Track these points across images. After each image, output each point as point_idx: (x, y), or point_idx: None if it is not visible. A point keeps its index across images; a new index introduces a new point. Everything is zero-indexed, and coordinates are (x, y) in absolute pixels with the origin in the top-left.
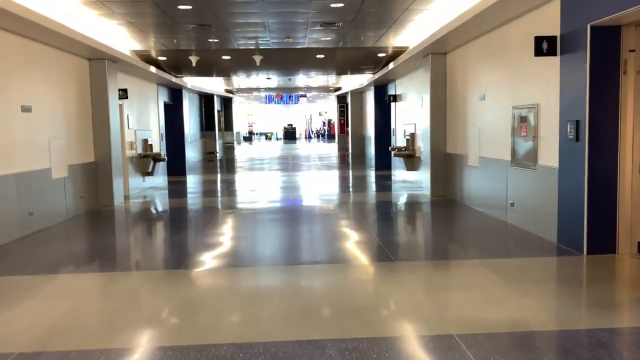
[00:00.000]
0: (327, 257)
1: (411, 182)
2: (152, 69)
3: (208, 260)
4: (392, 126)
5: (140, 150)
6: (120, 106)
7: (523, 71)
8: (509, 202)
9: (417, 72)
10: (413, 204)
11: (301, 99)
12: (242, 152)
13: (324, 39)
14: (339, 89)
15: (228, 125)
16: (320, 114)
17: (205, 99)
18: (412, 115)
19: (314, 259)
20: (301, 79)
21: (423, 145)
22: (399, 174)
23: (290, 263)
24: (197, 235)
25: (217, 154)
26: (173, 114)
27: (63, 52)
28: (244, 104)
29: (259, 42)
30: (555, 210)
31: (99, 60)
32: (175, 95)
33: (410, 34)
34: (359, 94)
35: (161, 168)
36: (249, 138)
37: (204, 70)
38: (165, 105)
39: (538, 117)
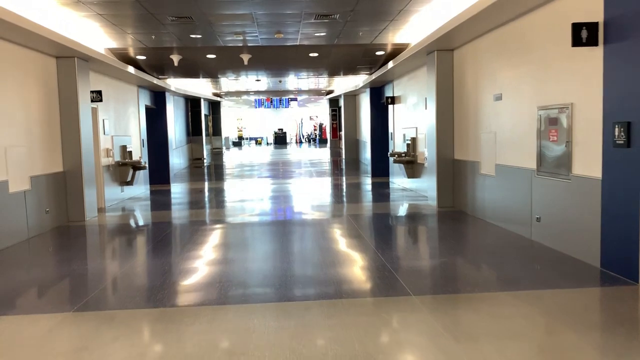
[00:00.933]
0: (329, 289)
1: (412, 191)
2: (131, 69)
3: (186, 294)
4: (390, 130)
5: (117, 158)
6: (94, 110)
7: (552, 66)
8: (535, 217)
9: (419, 71)
10: (419, 217)
11: (292, 102)
12: (231, 158)
13: (317, 34)
14: (331, 91)
15: (216, 130)
16: (311, 118)
17: (192, 103)
18: (412, 118)
19: (314, 292)
20: (292, 81)
21: (428, 151)
22: (398, 181)
23: (284, 298)
24: (177, 258)
25: (205, 160)
26: (156, 118)
27: (24, 49)
28: (233, 108)
29: (247, 38)
30: (597, 228)
31: (68, 59)
32: (158, 98)
33: (412, 30)
34: (352, 96)
35: (142, 177)
36: (238, 143)
37: (188, 70)
38: (147, 109)
39: (572, 118)
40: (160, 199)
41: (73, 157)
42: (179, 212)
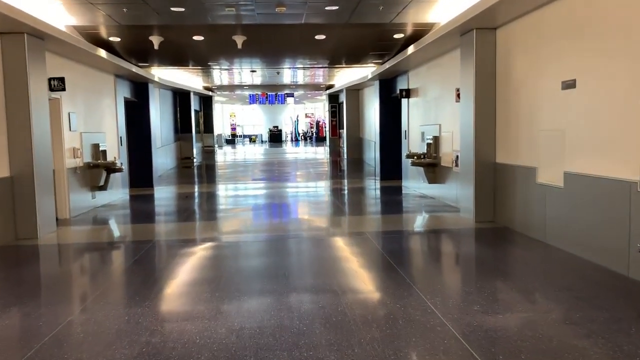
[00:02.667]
0: None
1: (433, 198)
2: (102, 52)
3: None
4: (404, 127)
5: (88, 159)
6: (56, 101)
7: None
8: (637, 246)
9: (444, 58)
10: (458, 236)
11: (288, 99)
12: (223, 157)
13: (328, 8)
14: (331, 86)
15: (208, 127)
16: (307, 116)
17: (181, 97)
18: (434, 113)
19: None
20: (289, 75)
21: (462, 153)
22: (413, 185)
23: None
24: (141, 309)
25: (195, 160)
26: (137, 113)
27: None
28: (227, 104)
29: (242, 13)
30: None
31: (15, 35)
32: (140, 90)
33: (441, 8)
34: (355, 91)
35: (120, 180)
36: (231, 141)
37: (173, 57)
38: (127, 102)
39: None
40: (138, 207)
41: (22, 159)
42: (157, 225)
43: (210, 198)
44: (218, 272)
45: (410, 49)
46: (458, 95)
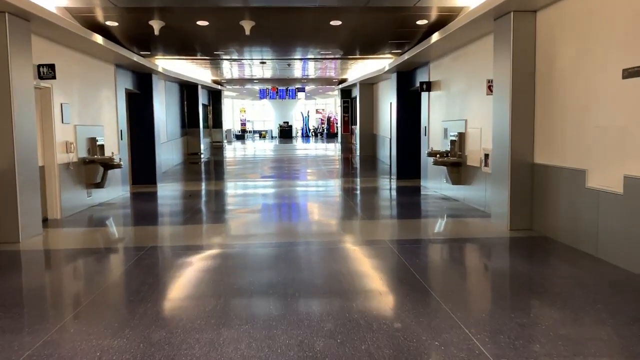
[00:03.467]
0: None
1: (457, 201)
2: (98, 38)
3: None
4: (424, 123)
5: (83, 154)
6: (46, 90)
7: None
8: None
9: (472, 46)
10: (491, 247)
11: (299, 94)
12: (232, 153)
13: None
14: (344, 80)
15: (217, 122)
16: (317, 111)
17: (188, 90)
18: (459, 108)
19: None
20: (300, 68)
21: (494, 151)
22: (434, 186)
23: None
24: (132, 335)
25: (202, 156)
26: (140, 105)
27: None
28: (237, 99)
29: None
30: None
31: None
32: (143, 81)
33: None
34: (369, 85)
35: (120, 176)
36: (241, 136)
37: (175, 44)
38: (129, 94)
39: None
40: (138, 207)
41: (2, 153)
42: (156, 227)
43: (215, 197)
44: (217, 289)
45: (435, 37)
46: (490, 88)
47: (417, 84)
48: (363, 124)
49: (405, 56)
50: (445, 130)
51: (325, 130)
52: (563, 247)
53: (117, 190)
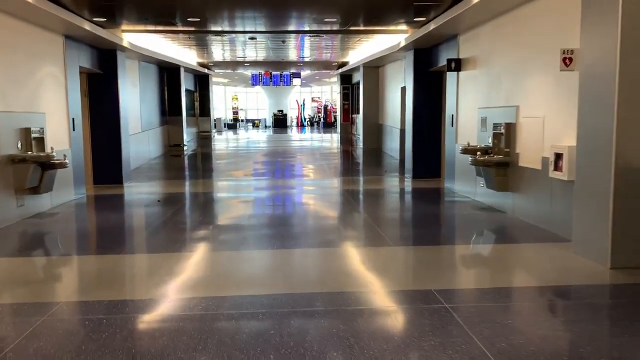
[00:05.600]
0: None
1: (503, 213)
2: None
3: None
4: (449, 111)
5: (11, 150)
6: None
7: None
8: None
9: (529, 7)
10: (600, 307)
11: (294, 80)
12: (222, 143)
13: None
14: (344, 64)
15: (204, 110)
16: (314, 100)
17: (169, 74)
18: (508, 90)
19: None
20: (296, 50)
21: (582, 151)
22: (464, 189)
23: None
24: None
25: (185, 147)
26: (101, 88)
27: None
28: (230, 86)
29: None
30: None
31: None
32: (105, 58)
33: None
34: (374, 69)
35: (72, 177)
36: (233, 125)
37: (147, 9)
38: (89, 75)
39: None
40: (85, 220)
41: None
42: (91, 259)
43: (191, 204)
44: None
45: None
46: (566, 60)
47: (439, 64)
48: (367, 113)
49: (431, 25)
50: (483, 119)
51: (321, 119)
52: None
53: (66, 194)
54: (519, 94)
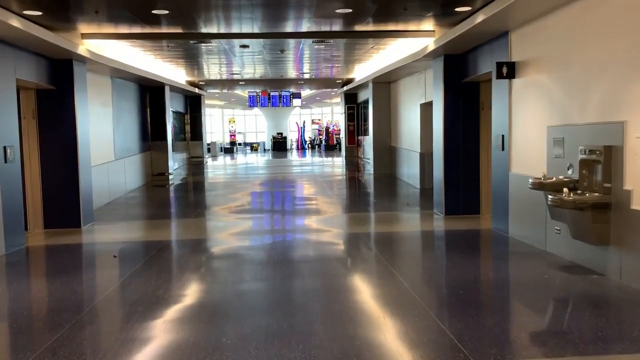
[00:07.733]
0: None
1: (602, 276)
2: None
3: None
4: (497, 131)
5: None
6: None
7: None
8: None
9: None
10: None
11: (294, 100)
12: (215, 171)
13: None
14: (349, 81)
15: (196, 134)
16: (314, 122)
17: (152, 93)
18: (601, 100)
19: None
20: (296, 60)
21: None
22: (524, 234)
23: None
24: None
25: (171, 176)
26: (54, 108)
27: None
28: (227, 108)
29: None
30: None
31: None
32: (58, 71)
33: None
34: (385, 84)
35: (5, 222)
36: (230, 149)
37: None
38: (40, 92)
39: None
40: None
41: None
42: None
43: (158, 260)
44: None
45: None
46: None
47: (477, 71)
48: (377, 135)
49: (479, 16)
50: (558, 141)
51: (322, 142)
52: None
53: None
54: (625, 105)
